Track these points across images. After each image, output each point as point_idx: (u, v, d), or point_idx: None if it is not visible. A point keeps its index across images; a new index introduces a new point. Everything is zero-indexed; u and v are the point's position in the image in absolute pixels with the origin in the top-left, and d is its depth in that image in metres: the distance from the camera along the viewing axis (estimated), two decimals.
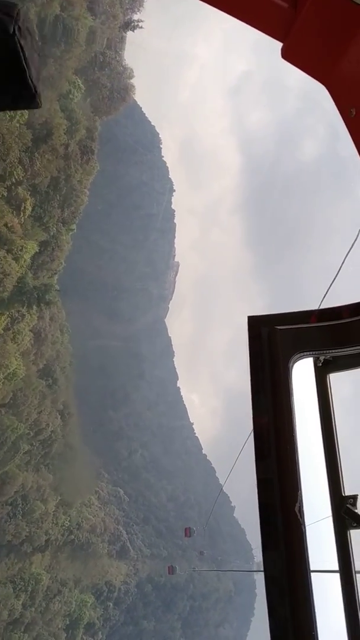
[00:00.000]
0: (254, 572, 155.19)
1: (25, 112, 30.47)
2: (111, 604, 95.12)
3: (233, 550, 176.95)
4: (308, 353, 2.93)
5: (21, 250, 30.53)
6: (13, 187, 30.62)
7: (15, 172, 29.91)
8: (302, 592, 2.66)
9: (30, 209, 32.78)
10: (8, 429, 51.27)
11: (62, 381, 67.91)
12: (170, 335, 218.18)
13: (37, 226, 34.54)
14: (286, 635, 2.63)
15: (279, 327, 2.80)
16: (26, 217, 32.33)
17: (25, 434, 57.55)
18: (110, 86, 52.43)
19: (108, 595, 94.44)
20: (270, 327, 2.80)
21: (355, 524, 2.91)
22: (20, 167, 30.56)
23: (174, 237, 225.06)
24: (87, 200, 44.31)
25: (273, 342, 2.80)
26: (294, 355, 2.85)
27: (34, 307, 32.60)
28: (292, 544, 2.67)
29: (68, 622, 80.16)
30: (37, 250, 33.79)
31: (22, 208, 31.59)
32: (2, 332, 34.90)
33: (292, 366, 2.84)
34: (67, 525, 78.10)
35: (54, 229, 37.37)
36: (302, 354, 2.89)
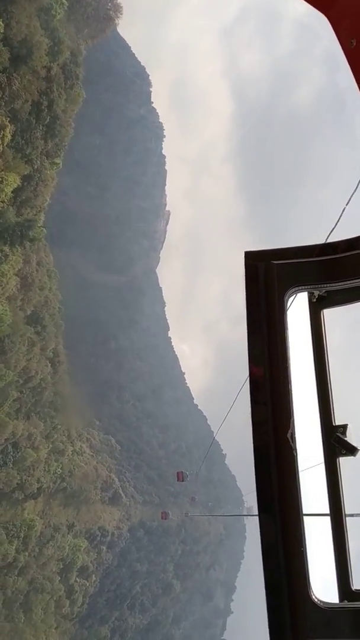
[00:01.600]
0: (244, 517, 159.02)
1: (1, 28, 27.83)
2: (104, 548, 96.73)
3: (224, 496, 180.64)
4: (303, 287, 2.98)
5: (1, 182, 28.31)
6: None
7: None
8: (294, 515, 2.71)
9: (9, 136, 30.29)
10: None
11: (51, 328, 66.45)
12: (161, 285, 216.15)
13: (18, 158, 32.16)
14: (277, 558, 2.66)
15: (275, 262, 2.77)
16: (5, 145, 29.96)
17: (14, 382, 56.44)
18: (95, 5, 48.77)
19: (101, 540, 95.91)
20: (266, 262, 2.79)
21: (344, 452, 3.08)
22: None
23: (165, 184, 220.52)
24: (72, 132, 41.78)
25: (269, 276, 2.79)
26: (290, 290, 2.91)
27: (17, 245, 30.66)
28: (284, 468, 2.76)
29: (62, 566, 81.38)
30: (20, 185, 31.58)
31: (1, 135, 29.13)
32: None
33: (288, 300, 2.89)
34: (59, 472, 78.18)
35: (38, 162, 34.94)
36: (297, 288, 2.94)
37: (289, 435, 2.78)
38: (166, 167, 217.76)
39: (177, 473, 59.22)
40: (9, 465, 62.96)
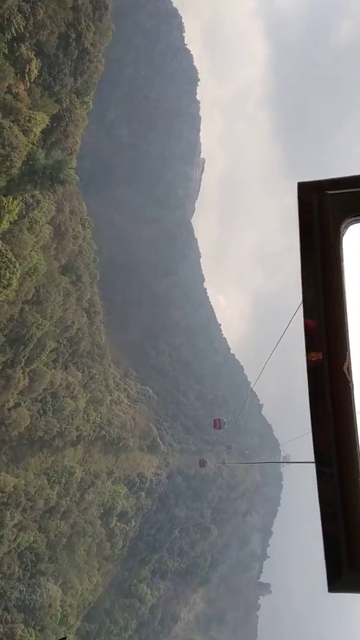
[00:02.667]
0: (281, 466, 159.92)
1: None
2: (143, 494, 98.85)
3: (260, 446, 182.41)
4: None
5: (29, 121, 27.09)
6: (15, 43, 26.67)
7: (15, 21, 25.89)
8: (350, 445, 2.68)
9: (36, 71, 28.84)
10: (33, 326, 49.99)
11: (86, 278, 66.00)
12: (196, 236, 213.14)
13: (46, 96, 30.82)
14: (333, 493, 2.60)
15: (329, 192, 2.67)
16: (32, 81, 28.58)
17: (51, 332, 56.50)
18: None
19: (140, 486, 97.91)
20: (320, 192, 2.68)
21: None
22: (20, 15, 26.45)
23: (199, 131, 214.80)
24: (103, 68, 39.90)
25: (323, 207, 2.69)
26: (346, 220, 2.82)
27: (48, 188, 29.59)
28: (340, 403, 2.69)
29: (102, 511, 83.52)
30: (49, 126, 30.27)
31: (27, 70, 27.70)
32: (17, 219, 32.26)
33: (344, 232, 2.83)
34: (97, 421, 79.26)
35: (67, 100, 33.43)
36: (354, 218, 2.84)
37: (345, 368, 2.64)
38: (200, 114, 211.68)
39: (214, 420, 58.53)
40: (48, 414, 63.86)
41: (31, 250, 42.90)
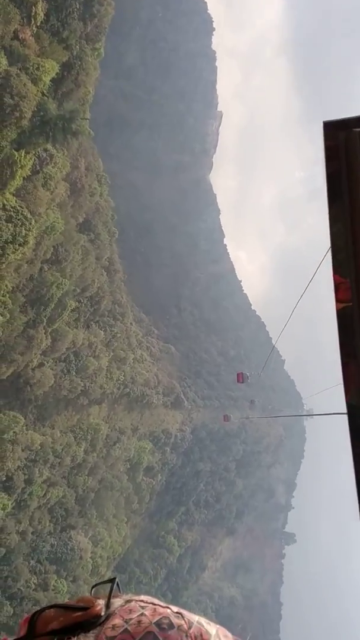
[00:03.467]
0: (304, 419, 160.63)
1: None
2: (168, 449, 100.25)
3: (283, 400, 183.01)
4: None
5: (38, 69, 25.94)
6: None
7: None
8: None
9: (42, 15, 27.43)
10: (53, 286, 49.74)
11: (105, 236, 65.22)
12: (215, 192, 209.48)
13: (55, 42, 29.49)
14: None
15: (357, 129, 2.48)
16: (38, 26, 27.27)
17: (71, 291, 56.27)
18: None
19: (165, 442, 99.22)
20: (348, 131, 2.49)
21: None
22: None
23: (216, 82, 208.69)
24: (113, 12, 37.98)
25: (352, 146, 2.48)
26: None
27: (60, 140, 28.64)
28: None
29: (129, 466, 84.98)
30: (59, 75, 29.09)
31: (33, 13, 26.36)
32: (30, 174, 31.49)
33: None
34: (121, 379, 79.79)
35: (77, 47, 32.01)
36: None
37: None
38: (216, 64, 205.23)
39: (238, 374, 58.20)
40: (72, 373, 64.28)
41: (47, 208, 42.25)
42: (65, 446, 65.26)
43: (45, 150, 32.23)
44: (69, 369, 63.49)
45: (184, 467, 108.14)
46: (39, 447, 58.78)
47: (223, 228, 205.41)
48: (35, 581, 60.38)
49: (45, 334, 53.67)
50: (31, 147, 28.36)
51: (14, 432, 52.45)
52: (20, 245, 30.77)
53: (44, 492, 61.31)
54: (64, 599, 62.36)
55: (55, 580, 62.96)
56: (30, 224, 30.90)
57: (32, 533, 62.32)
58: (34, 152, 30.12)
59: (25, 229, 30.38)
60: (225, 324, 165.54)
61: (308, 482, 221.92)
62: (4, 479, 53.09)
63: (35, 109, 25.79)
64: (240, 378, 56.85)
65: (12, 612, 55.89)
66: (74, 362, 64.12)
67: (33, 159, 30.69)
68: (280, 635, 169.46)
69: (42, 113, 26.22)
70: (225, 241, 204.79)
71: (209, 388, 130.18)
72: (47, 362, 58.53)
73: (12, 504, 53.99)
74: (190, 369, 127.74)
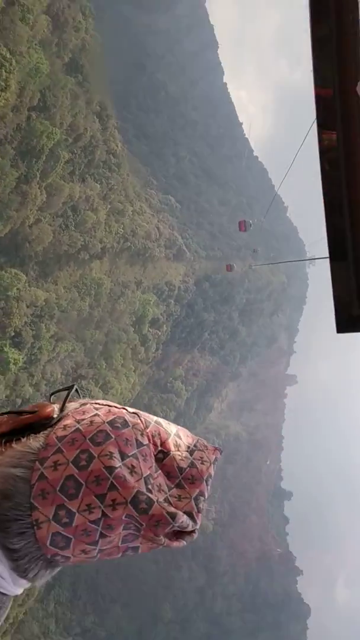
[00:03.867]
0: (307, 265, 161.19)
1: None
2: (172, 301, 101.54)
3: (286, 248, 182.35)
4: None
5: None
6: None
7: None
8: None
9: None
10: (43, 135, 46.63)
11: (94, 78, 59.92)
12: (212, 22, 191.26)
13: None
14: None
15: None
16: None
17: (62, 141, 53.02)
18: None
19: (169, 294, 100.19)
20: None
21: None
22: None
23: None
24: None
25: None
26: None
27: None
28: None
29: (134, 319, 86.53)
30: None
31: None
32: (4, 6, 27.55)
33: None
34: (121, 232, 78.37)
35: None
36: None
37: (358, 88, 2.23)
38: None
39: (239, 222, 56.51)
40: (70, 228, 62.86)
41: (29, 47, 38.25)
42: (70, 301, 65.81)
43: None
44: (67, 224, 62.00)
45: (188, 317, 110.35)
46: (44, 303, 59.24)
47: (222, 64, 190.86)
48: None
49: (39, 188, 51.57)
50: None
51: (17, 288, 52.46)
52: (1, 90, 28.01)
53: (53, 346, 62.90)
54: None
55: None
56: (11, 64, 27.90)
57: (45, 385, 64.95)
58: None
59: (5, 71, 27.47)
60: (227, 172, 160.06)
61: (310, 327, 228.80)
62: (13, 334, 54.08)
63: None
64: (243, 226, 55.17)
65: None
66: (71, 217, 62.44)
67: None
68: (281, 464, 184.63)
69: None
70: (225, 79, 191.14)
71: (212, 238, 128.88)
72: (44, 218, 56.95)
73: (23, 358, 55.57)
74: (192, 219, 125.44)
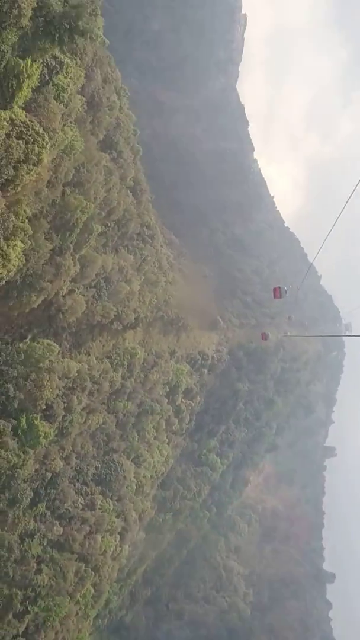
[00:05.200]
0: (344, 332, 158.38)
1: None
2: (206, 371, 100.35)
3: (321, 315, 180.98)
4: None
5: None
6: None
7: None
8: None
9: None
10: (77, 210, 47.61)
11: (128, 154, 61.98)
12: (243, 102, 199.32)
13: None
14: None
15: None
16: None
17: (96, 215, 54.11)
18: None
19: (202, 363, 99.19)
20: None
21: None
22: None
23: None
24: None
25: None
26: None
27: (67, 41, 25.72)
28: None
29: (167, 389, 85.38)
30: None
31: None
32: (39, 85, 28.85)
33: None
34: (154, 302, 78.63)
35: None
36: None
37: None
38: None
39: (274, 289, 55.39)
40: (103, 298, 63.20)
41: (64, 125, 39.62)
42: (103, 372, 65.23)
43: (55, 57, 29.44)
44: (100, 294, 62.38)
45: (223, 387, 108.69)
46: (76, 375, 58.75)
47: (253, 141, 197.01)
48: (82, 502, 62.17)
49: (73, 260, 52.18)
50: (37, 53, 25.70)
51: (49, 360, 52.19)
52: (33, 164, 28.68)
53: (84, 419, 61.93)
54: (111, 517, 64.28)
55: (102, 500, 64.76)
56: (44, 139, 28.63)
57: (76, 458, 63.62)
58: (41, 60, 27.45)
59: (38, 146, 28.16)
60: (259, 243, 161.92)
61: (348, 397, 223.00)
62: (44, 407, 53.42)
63: (36, 5, 22.98)
64: (278, 293, 53.98)
65: (62, 530, 57.97)
66: (104, 287, 62.90)
67: (41, 68, 28.02)
68: (323, 542, 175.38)
69: (44, 12, 23.44)
70: (256, 155, 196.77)
71: (245, 307, 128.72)
72: (78, 289, 57.40)
73: (54, 431, 54.63)
74: (225, 288, 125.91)
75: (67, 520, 59.45)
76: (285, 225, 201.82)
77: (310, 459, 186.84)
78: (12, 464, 48.42)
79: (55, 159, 41.06)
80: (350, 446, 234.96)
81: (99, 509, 63.93)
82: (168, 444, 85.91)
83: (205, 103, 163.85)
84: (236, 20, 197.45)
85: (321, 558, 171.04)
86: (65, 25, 24.04)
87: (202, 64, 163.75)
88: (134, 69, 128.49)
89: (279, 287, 54.34)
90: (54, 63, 29.62)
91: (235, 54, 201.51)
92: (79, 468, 63.78)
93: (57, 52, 29.13)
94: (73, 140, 42.27)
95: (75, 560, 58.64)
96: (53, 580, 54.83)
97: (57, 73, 30.54)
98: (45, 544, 55.73)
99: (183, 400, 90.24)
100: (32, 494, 53.47)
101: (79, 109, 41.98)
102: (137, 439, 75.01)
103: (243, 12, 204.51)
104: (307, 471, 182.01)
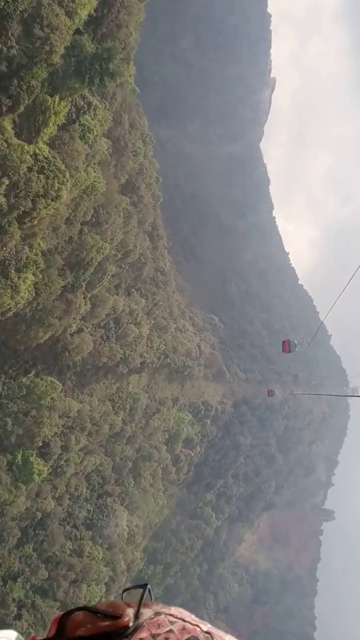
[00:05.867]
0: (349, 397, 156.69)
1: None
2: (208, 421, 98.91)
3: (328, 376, 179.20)
4: None
5: (72, 1, 23.42)
6: None
7: None
8: None
9: None
10: (92, 249, 47.92)
11: (148, 200, 62.82)
12: (265, 162, 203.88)
13: None
14: None
15: None
16: None
17: (112, 256, 54.43)
18: None
19: (205, 414, 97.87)
20: None
21: None
22: None
23: (270, 47, 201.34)
24: None
25: None
26: None
27: (97, 82, 26.25)
28: None
29: (167, 437, 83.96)
30: (97, 13, 26.50)
31: None
32: (66, 123, 29.35)
33: None
34: (162, 348, 78.16)
35: None
36: None
37: None
38: (271, 28, 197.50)
39: (283, 342, 54.15)
40: (111, 340, 62.94)
41: (87, 165, 40.23)
42: (104, 414, 64.38)
43: (83, 98, 30.03)
44: (108, 335, 62.14)
45: (224, 440, 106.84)
46: (77, 414, 57.96)
47: (272, 199, 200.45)
48: (70, 546, 60.23)
49: (84, 299, 52.21)
50: (66, 92, 26.18)
51: (51, 398, 51.56)
52: (52, 199, 28.85)
53: (80, 459, 60.78)
54: (99, 565, 62.09)
55: (91, 546, 62.75)
56: (64, 176, 28.88)
57: (69, 499, 62.06)
58: (70, 99, 27.99)
59: (58, 182, 28.39)
60: (271, 297, 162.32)
61: (350, 461, 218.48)
62: (41, 444, 52.48)
63: (69, 44, 23.56)
64: (287, 347, 52.83)
65: (47, 575, 55.95)
66: (113, 329, 62.72)
67: (69, 106, 28.55)
68: (315, 611, 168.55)
69: (77, 52, 23.98)
70: (274, 213, 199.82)
71: (252, 361, 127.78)
72: (86, 328, 57.25)
73: (48, 470, 53.50)
74: (234, 341, 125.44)
75: (54, 564, 57.43)
76: (299, 282, 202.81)
77: (307, 521, 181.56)
78: (2, 500, 47.17)
79: (75, 197, 41.53)
80: (349, 511, 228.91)
81: (87, 556, 61.84)
82: (164, 492, 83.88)
83: (229, 158, 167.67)
84: (265, 83, 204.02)
85: (312, 627, 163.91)
86: (97, 66, 24.56)
87: (229, 123, 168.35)
88: (164, 123, 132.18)
89: (289, 340, 53.35)
90: (82, 103, 30.22)
91: (261, 114, 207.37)
92: (70, 510, 62.13)
93: (86, 92, 29.77)
94: (95, 181, 42.84)
95: (58, 609, 56.27)
96: (32, 628, 52.49)
97: (84, 113, 31.12)
98: (28, 587, 53.67)
99: (183, 449, 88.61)
100: (19, 533, 51.93)
101: (103, 152, 42.73)
102: (132, 485, 73.30)
103: (272, 75, 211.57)
104: (304, 534, 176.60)
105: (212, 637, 1.64)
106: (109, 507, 67.17)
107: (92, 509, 65.60)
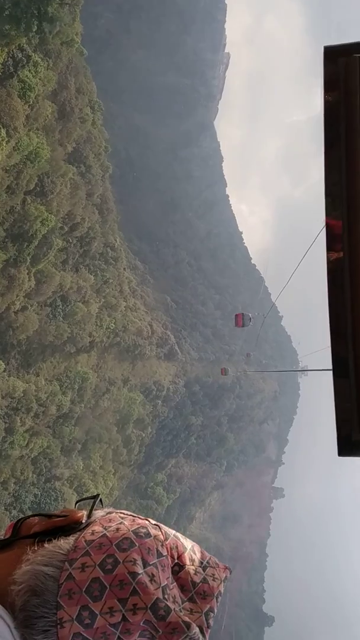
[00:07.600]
0: (299, 375, 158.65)
1: None
2: (160, 402, 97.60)
3: (279, 356, 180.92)
4: None
5: None
6: None
7: None
8: None
9: None
10: (37, 221, 45.18)
11: (97, 170, 59.95)
12: (219, 139, 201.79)
13: None
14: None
15: (357, 55, 2.23)
16: None
17: (58, 229, 51.71)
18: None
19: (157, 394, 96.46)
20: (349, 57, 2.24)
21: None
22: None
23: (224, 21, 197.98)
24: None
25: (351, 76, 2.22)
26: None
27: (34, 29, 23.68)
28: None
29: (118, 417, 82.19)
30: None
31: None
32: (1, 75, 26.65)
33: None
34: (112, 327, 75.97)
35: None
36: None
37: None
38: (226, 1, 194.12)
39: (237, 315, 52.70)
40: (58, 318, 60.43)
41: (29, 130, 37.45)
42: (50, 395, 61.94)
43: (21, 49, 27.37)
44: (55, 314, 59.60)
45: (176, 420, 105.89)
46: (22, 395, 55.46)
47: (225, 177, 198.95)
48: None
49: (28, 274, 49.54)
50: (1, 39, 23.62)
51: None
52: None
53: (26, 441, 58.33)
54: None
55: None
56: (1, 134, 26.34)
57: (15, 483, 59.70)
58: (6, 50, 25.36)
59: None
60: (224, 277, 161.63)
61: (300, 439, 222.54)
62: None
63: None
64: (241, 321, 51.23)
65: None
66: (60, 307, 60.16)
67: (4, 56, 25.94)
68: (264, 584, 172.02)
69: None
70: (228, 192, 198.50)
71: (205, 341, 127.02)
72: (32, 306, 54.61)
73: None
74: (186, 320, 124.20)
75: None
76: (252, 262, 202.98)
77: (257, 499, 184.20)
78: None
79: (17, 164, 38.76)
80: (298, 488, 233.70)
81: None
82: (114, 474, 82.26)
83: (182, 135, 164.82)
84: (219, 59, 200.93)
85: (261, 600, 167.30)
86: (33, 10, 22.06)
87: (182, 99, 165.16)
88: (114, 95, 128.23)
89: (243, 314, 51.82)
90: (20, 56, 27.55)
91: (215, 91, 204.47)
92: (17, 494, 59.80)
93: (25, 45, 27.14)
94: (38, 147, 40.06)
95: None
96: None
97: (22, 67, 28.42)
98: None
99: (134, 430, 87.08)
100: None
101: (47, 115, 39.91)
102: (82, 468, 71.33)
103: (227, 51, 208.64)
104: (254, 511, 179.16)
105: (160, 528, 1.72)
106: (57, 491, 65.12)
107: (39, 493, 63.43)
